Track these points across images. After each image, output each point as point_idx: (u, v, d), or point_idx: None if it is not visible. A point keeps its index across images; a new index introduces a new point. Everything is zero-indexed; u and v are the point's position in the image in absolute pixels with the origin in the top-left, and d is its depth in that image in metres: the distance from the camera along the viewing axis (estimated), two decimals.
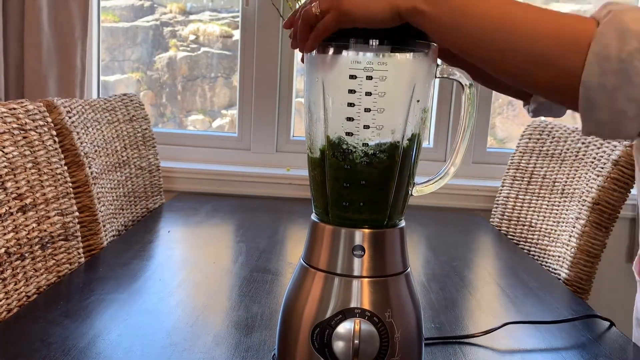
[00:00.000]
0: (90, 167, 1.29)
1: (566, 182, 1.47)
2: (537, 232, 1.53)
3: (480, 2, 0.59)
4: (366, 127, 0.64)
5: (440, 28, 0.60)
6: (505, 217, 1.66)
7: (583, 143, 1.46)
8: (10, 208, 0.97)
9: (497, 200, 1.71)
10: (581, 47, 0.53)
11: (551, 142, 1.57)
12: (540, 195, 1.55)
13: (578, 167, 1.44)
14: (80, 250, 1.18)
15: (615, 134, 0.55)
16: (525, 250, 1.53)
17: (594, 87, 0.52)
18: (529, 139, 1.64)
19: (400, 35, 0.63)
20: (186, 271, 1.17)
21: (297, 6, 1.49)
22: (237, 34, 1.98)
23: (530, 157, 1.62)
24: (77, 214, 1.17)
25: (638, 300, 0.96)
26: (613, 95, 0.52)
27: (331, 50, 0.64)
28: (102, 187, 1.36)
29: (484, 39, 0.59)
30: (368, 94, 0.63)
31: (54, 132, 1.14)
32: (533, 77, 0.57)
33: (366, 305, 0.65)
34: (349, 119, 0.64)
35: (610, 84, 0.51)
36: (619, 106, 0.52)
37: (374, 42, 0.63)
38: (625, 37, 0.50)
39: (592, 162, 1.39)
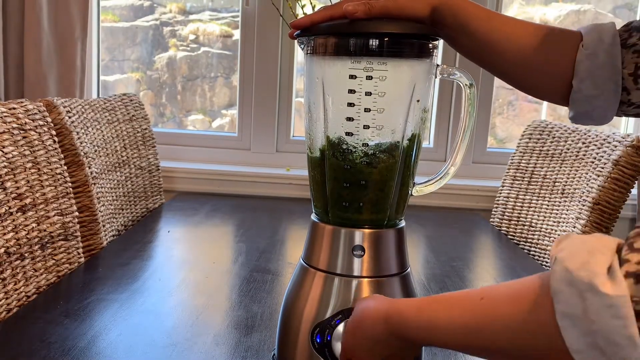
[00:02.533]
0: (90, 167, 1.28)
1: (566, 182, 1.47)
2: (537, 232, 1.53)
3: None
4: (366, 127, 0.64)
5: (471, 18, 0.66)
6: (505, 217, 1.66)
7: (584, 143, 1.46)
8: (10, 208, 0.97)
9: (498, 200, 1.71)
10: (543, 310, 0.45)
11: (551, 142, 1.57)
12: (541, 195, 1.55)
13: (578, 167, 1.44)
14: (80, 250, 1.18)
15: None
16: (526, 250, 1.53)
17: (582, 349, 0.42)
18: (529, 139, 1.64)
19: (400, 36, 0.63)
20: (186, 271, 1.17)
21: (297, 6, 1.49)
22: (237, 34, 1.98)
23: (531, 157, 1.62)
24: (76, 213, 1.17)
25: None
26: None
27: (332, 50, 0.64)
28: (101, 187, 1.36)
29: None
30: (368, 94, 0.63)
31: (54, 132, 1.14)
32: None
33: None
34: (349, 119, 0.64)
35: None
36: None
37: (374, 43, 0.62)
38: (582, 293, 0.42)
39: (593, 162, 1.38)
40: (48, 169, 1.10)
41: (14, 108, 1.04)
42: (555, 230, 1.45)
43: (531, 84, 0.72)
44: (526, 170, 1.62)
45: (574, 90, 0.67)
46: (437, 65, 0.67)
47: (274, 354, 0.72)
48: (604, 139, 1.38)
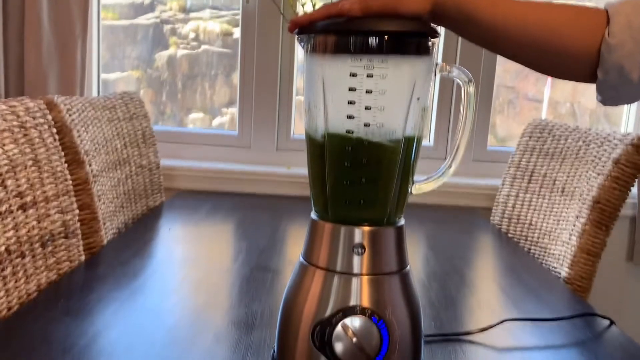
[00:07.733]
0: (90, 165, 1.29)
1: (566, 180, 1.47)
2: (537, 231, 1.53)
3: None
4: (366, 125, 0.64)
5: (475, 8, 0.66)
6: (505, 215, 1.66)
7: (584, 142, 1.46)
8: (10, 206, 0.97)
9: (498, 199, 1.71)
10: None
11: (552, 141, 1.57)
12: (541, 194, 1.55)
13: (578, 165, 1.44)
14: (81, 248, 1.18)
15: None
16: (526, 249, 1.53)
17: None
18: (530, 137, 1.64)
19: (400, 34, 0.63)
20: (186, 269, 1.17)
21: (298, 4, 1.49)
22: (237, 32, 1.98)
23: (531, 155, 1.62)
24: (77, 212, 1.17)
25: None
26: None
27: (332, 48, 0.64)
28: (102, 185, 1.36)
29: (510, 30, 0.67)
30: (368, 91, 0.63)
31: (54, 130, 1.14)
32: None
33: (366, 303, 0.65)
34: (349, 116, 0.64)
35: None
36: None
37: (374, 41, 0.62)
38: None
39: (593, 161, 1.38)
40: (49, 167, 1.10)
41: (15, 106, 1.04)
42: (555, 229, 1.45)
43: (548, 67, 0.70)
44: (526, 169, 1.62)
45: (600, 80, 0.65)
46: (437, 63, 0.67)
47: (274, 352, 0.72)
48: (604, 138, 1.38)
